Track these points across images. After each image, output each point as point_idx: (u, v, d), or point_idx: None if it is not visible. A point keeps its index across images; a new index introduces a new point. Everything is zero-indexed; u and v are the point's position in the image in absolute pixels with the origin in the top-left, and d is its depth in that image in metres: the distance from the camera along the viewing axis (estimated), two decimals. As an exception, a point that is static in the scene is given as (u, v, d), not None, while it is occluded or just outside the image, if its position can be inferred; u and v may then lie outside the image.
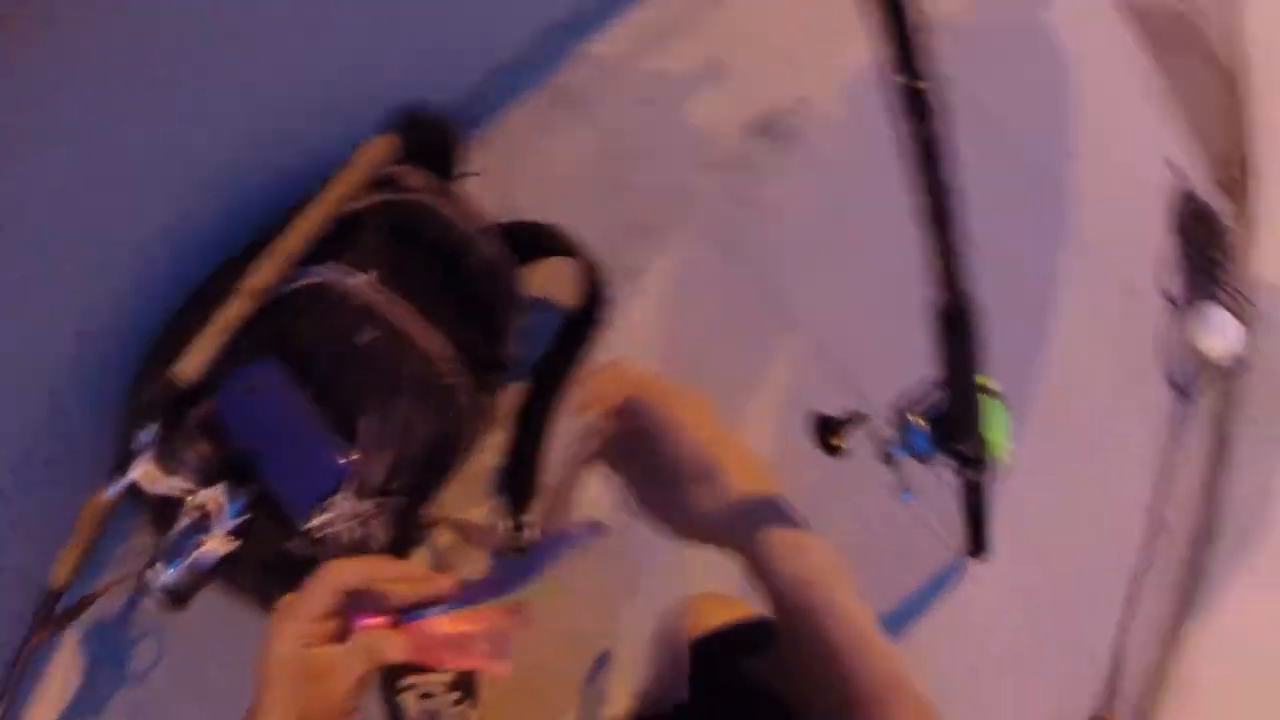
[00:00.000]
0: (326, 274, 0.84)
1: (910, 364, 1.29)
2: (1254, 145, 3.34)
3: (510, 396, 1.11)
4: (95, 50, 0.64)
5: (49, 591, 0.83)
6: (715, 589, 1.13)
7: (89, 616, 0.93)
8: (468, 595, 0.44)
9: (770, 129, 1.35)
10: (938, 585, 1.34)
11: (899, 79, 0.49)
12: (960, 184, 0.59)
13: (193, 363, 0.79)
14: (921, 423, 0.74)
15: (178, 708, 0.98)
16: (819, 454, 1.21)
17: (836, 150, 1.39)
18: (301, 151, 0.92)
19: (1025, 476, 1.74)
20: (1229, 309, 2.66)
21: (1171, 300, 2.56)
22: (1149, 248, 2.70)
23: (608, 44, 1.27)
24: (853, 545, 1.14)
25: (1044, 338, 2.09)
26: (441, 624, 0.44)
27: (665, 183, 1.25)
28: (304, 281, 0.83)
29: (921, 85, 0.49)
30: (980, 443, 0.78)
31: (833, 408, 1.21)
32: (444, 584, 0.46)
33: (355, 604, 0.44)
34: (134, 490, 0.81)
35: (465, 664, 0.45)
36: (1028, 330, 2.00)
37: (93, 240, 0.78)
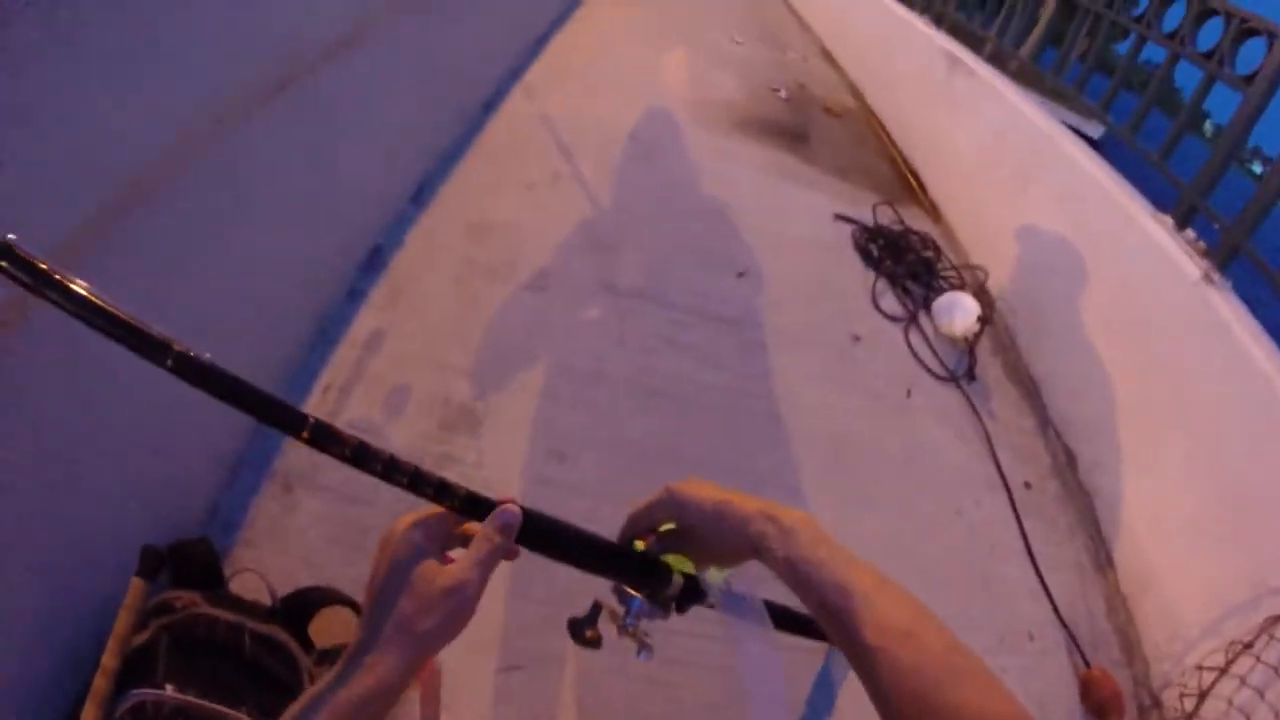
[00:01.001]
0: (138, 696, 1.14)
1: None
2: (909, 152, 4.01)
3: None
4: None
5: None
6: None
7: None
8: None
9: (463, 421, 1.76)
10: (831, 677, 1.59)
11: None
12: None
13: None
14: (633, 591, 0.84)
15: None
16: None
17: (526, 410, 1.79)
18: (101, 608, 1.22)
19: (877, 537, 2.00)
20: (955, 286, 3.16)
21: (903, 317, 3.02)
22: (856, 294, 3.08)
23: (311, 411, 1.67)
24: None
25: (817, 420, 2.36)
26: None
27: (397, 507, 1.59)
28: (125, 707, 1.13)
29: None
30: (668, 583, 0.85)
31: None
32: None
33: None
34: None
35: None
36: (804, 427, 2.29)
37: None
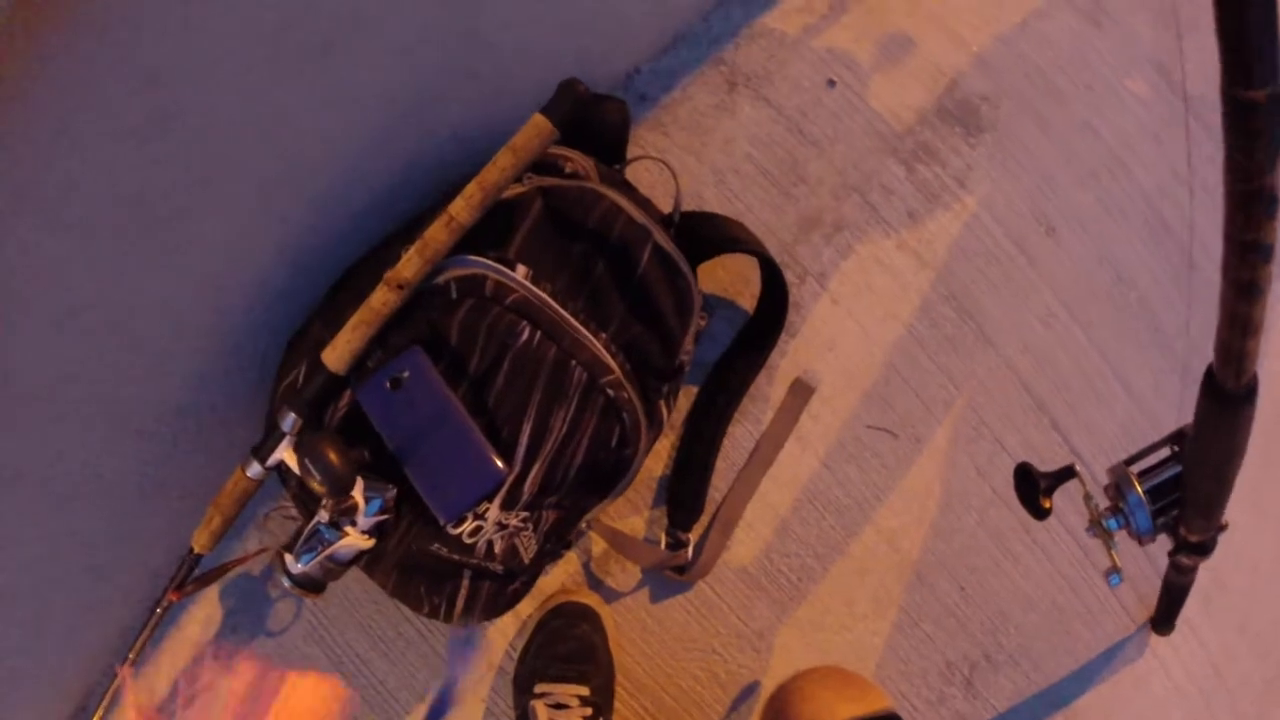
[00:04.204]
0: (479, 266, 0.78)
1: (1120, 410, 1.11)
2: None
3: (683, 401, 1.05)
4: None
5: (189, 553, 0.83)
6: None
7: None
8: None
9: (964, 119, 1.20)
10: (1113, 654, 1.14)
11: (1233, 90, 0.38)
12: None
13: (337, 353, 0.76)
14: (1144, 496, 0.59)
15: (311, 664, 1.01)
16: (999, 493, 1.07)
17: (1037, 149, 1.22)
18: (453, 129, 0.86)
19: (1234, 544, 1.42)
20: None
21: None
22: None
23: (781, 18, 1.16)
24: (1028, 595, 0.99)
25: None
26: None
27: (849, 174, 1.13)
28: (455, 273, 0.78)
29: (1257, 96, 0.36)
30: (1216, 532, 0.64)
31: (1022, 445, 1.06)
32: None
33: None
34: (279, 467, 0.79)
35: None
36: None
37: (250, 211, 0.75)
